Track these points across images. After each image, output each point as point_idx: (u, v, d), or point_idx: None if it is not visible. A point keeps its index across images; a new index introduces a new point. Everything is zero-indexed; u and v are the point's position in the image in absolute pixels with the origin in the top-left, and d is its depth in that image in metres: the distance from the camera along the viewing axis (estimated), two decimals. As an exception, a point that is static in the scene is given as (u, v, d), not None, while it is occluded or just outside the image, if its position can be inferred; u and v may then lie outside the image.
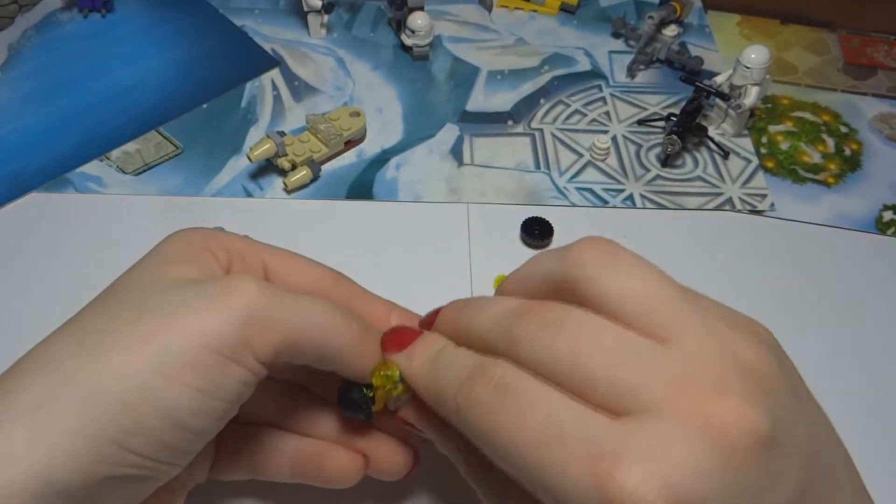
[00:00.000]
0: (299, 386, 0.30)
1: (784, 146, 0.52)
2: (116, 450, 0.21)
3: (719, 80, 0.51)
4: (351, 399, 0.27)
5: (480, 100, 0.54)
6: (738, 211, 0.47)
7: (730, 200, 0.48)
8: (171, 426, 0.22)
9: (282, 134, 0.47)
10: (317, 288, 0.28)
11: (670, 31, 0.57)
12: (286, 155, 0.47)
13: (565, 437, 0.19)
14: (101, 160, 0.49)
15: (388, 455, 0.29)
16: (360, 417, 0.28)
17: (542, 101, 0.54)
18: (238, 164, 0.49)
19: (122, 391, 0.21)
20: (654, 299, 0.20)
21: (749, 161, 0.51)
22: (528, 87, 0.55)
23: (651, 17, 0.56)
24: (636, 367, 0.19)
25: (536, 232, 0.44)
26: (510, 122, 0.53)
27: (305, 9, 0.57)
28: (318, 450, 0.29)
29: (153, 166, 0.49)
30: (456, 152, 0.50)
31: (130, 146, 0.50)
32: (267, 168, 0.48)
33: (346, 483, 0.29)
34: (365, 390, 0.27)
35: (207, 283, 0.24)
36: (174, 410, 0.22)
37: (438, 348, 0.25)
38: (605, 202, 0.47)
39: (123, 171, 0.48)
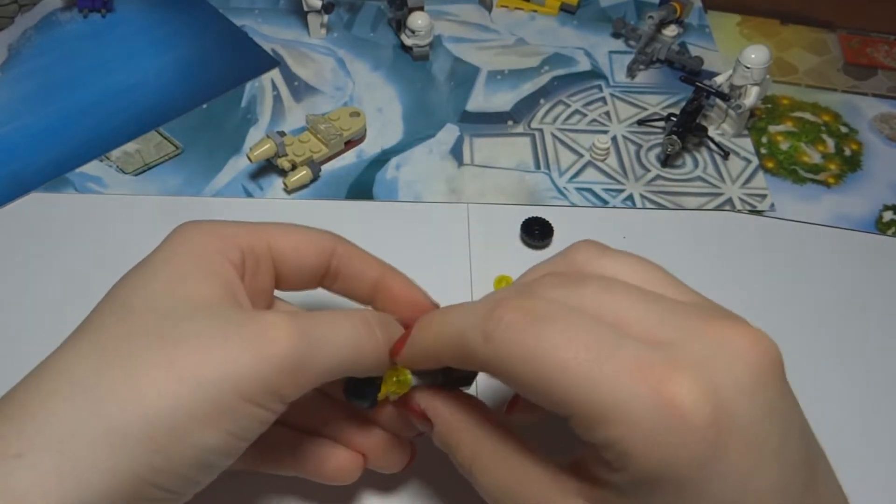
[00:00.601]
0: None
1: (784, 146, 0.52)
2: (144, 486, 0.21)
3: (719, 80, 0.51)
4: (357, 389, 0.28)
5: (480, 100, 0.54)
6: (738, 211, 0.47)
7: (730, 201, 0.48)
8: (199, 465, 0.22)
9: (282, 134, 0.47)
10: (321, 259, 0.29)
11: (670, 31, 0.57)
12: (286, 155, 0.47)
13: (615, 351, 0.20)
14: (101, 160, 0.49)
15: (387, 448, 0.30)
16: (364, 406, 0.29)
17: (542, 101, 0.54)
18: (238, 165, 0.49)
19: (154, 430, 0.21)
20: (647, 277, 0.23)
21: (749, 161, 0.51)
22: (528, 88, 0.55)
23: (651, 17, 0.56)
24: (662, 305, 0.22)
25: (536, 232, 0.44)
26: (510, 123, 0.53)
27: (305, 9, 0.57)
28: (318, 447, 0.30)
29: (153, 166, 0.49)
30: (456, 152, 0.50)
31: (130, 146, 0.50)
32: (267, 168, 0.48)
33: (345, 481, 0.30)
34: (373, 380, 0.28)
35: (243, 321, 0.23)
36: (204, 451, 0.22)
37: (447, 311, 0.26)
38: (605, 202, 0.47)
39: (123, 172, 0.48)
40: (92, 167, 0.48)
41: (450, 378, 0.28)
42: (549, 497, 0.23)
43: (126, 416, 0.21)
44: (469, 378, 0.28)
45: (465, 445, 0.25)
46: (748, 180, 0.49)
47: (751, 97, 0.50)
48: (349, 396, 0.29)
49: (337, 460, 0.29)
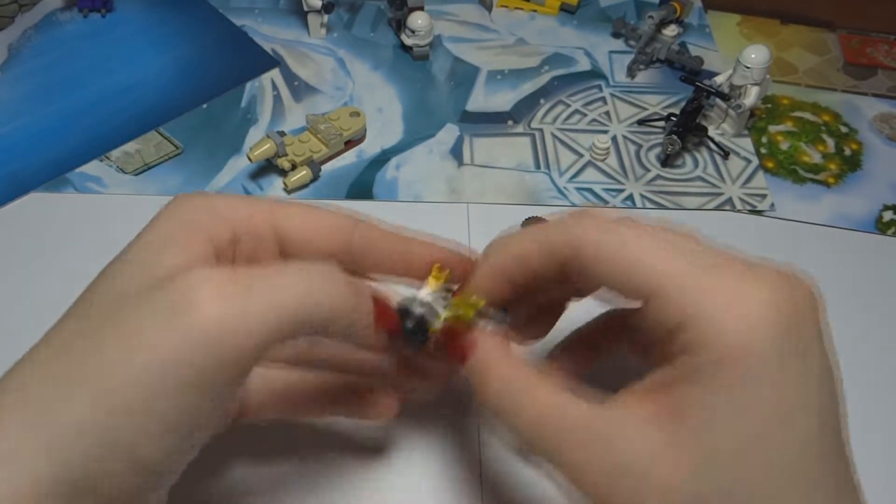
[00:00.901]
0: None
1: (784, 146, 0.52)
2: (88, 487, 0.20)
3: (719, 80, 0.51)
4: (408, 330, 0.27)
5: (480, 100, 0.54)
6: (738, 211, 0.47)
7: (730, 200, 0.48)
8: (137, 467, 0.21)
9: (282, 134, 0.47)
10: (336, 243, 0.27)
11: (670, 31, 0.57)
12: (286, 155, 0.47)
13: (693, 246, 0.22)
14: (101, 160, 0.49)
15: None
16: (412, 348, 0.27)
17: (542, 101, 0.54)
18: (238, 165, 0.49)
19: (87, 440, 0.20)
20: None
21: (749, 161, 0.51)
22: (528, 87, 0.55)
23: (651, 17, 0.56)
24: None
25: None
26: (510, 122, 0.53)
27: (305, 9, 0.57)
28: (352, 387, 0.30)
29: (153, 166, 0.49)
30: (456, 152, 0.50)
31: (130, 146, 0.50)
32: (267, 168, 0.48)
33: (382, 420, 0.30)
34: (426, 319, 0.27)
35: (160, 293, 0.21)
36: (135, 449, 0.20)
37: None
38: (605, 202, 0.47)
39: (123, 171, 0.48)
40: (92, 167, 0.48)
41: None
42: (601, 427, 0.22)
43: (60, 428, 0.20)
44: None
45: (503, 379, 0.25)
46: (748, 180, 0.49)
47: (751, 97, 0.50)
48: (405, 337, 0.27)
49: (374, 402, 0.30)
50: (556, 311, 0.30)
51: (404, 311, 0.27)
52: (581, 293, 0.29)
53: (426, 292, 0.28)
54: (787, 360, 0.20)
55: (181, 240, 0.23)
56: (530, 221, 0.45)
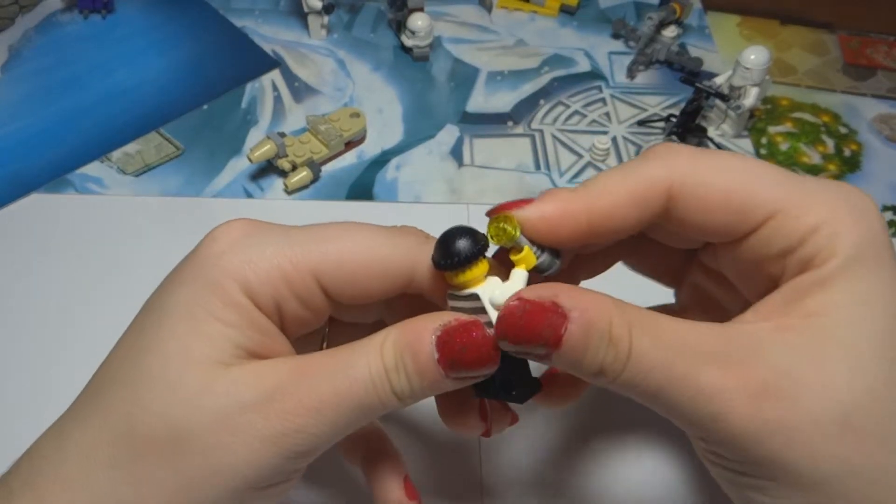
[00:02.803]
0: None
1: (784, 147, 0.52)
2: None
3: (719, 80, 0.51)
4: (508, 386, 0.23)
5: (480, 100, 0.54)
6: (738, 211, 0.47)
7: (729, 201, 0.48)
8: None
9: (282, 135, 0.47)
10: (380, 281, 0.24)
11: (670, 31, 0.57)
12: (286, 156, 0.47)
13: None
14: (102, 161, 0.49)
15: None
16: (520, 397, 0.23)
17: (542, 101, 0.54)
18: (238, 165, 0.49)
19: None
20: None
21: (749, 162, 0.51)
22: (528, 88, 0.55)
23: (651, 17, 0.56)
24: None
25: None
26: (510, 123, 0.53)
27: (306, 10, 0.57)
28: (385, 476, 0.28)
29: (154, 167, 0.49)
30: (456, 153, 0.50)
31: (131, 147, 0.50)
32: (267, 169, 0.49)
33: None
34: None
35: (249, 403, 0.21)
36: None
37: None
38: (605, 203, 0.47)
39: (124, 172, 0.48)
40: (92, 168, 0.48)
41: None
42: (742, 338, 0.20)
43: None
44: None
45: (618, 314, 0.20)
46: (748, 181, 0.49)
47: (750, 98, 0.50)
48: (502, 397, 0.24)
49: (389, 496, 0.28)
50: (603, 265, 0.28)
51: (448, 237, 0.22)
52: (592, 270, 0.28)
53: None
54: (891, 255, 0.21)
55: (229, 319, 0.22)
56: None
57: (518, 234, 0.22)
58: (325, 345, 0.29)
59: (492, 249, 0.23)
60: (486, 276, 0.22)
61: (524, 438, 0.35)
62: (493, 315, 0.22)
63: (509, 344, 0.21)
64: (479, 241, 0.22)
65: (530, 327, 0.20)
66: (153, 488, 0.21)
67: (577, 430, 0.36)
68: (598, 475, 0.34)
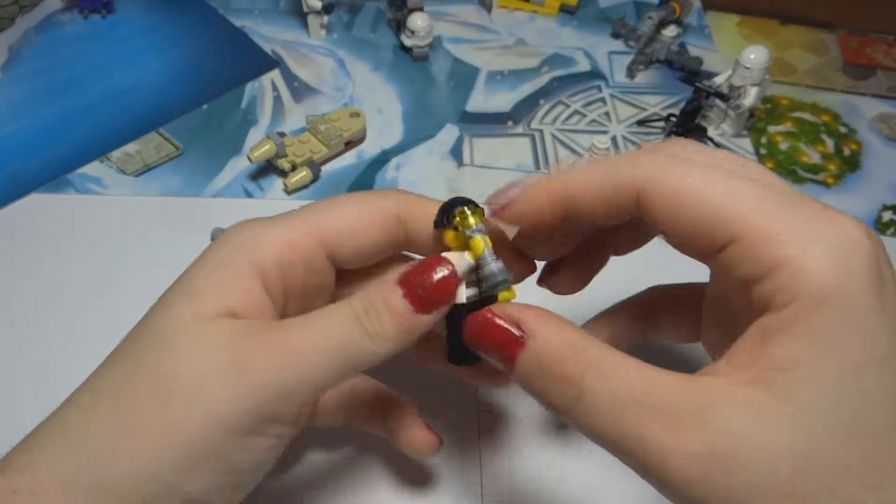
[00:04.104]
0: None
1: (783, 146, 0.52)
2: None
3: (719, 80, 0.51)
4: (459, 354, 0.25)
5: (480, 100, 0.54)
6: (738, 211, 0.47)
7: (729, 201, 0.48)
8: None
9: (282, 135, 0.47)
10: (384, 230, 0.27)
11: (670, 31, 0.57)
12: (286, 156, 0.47)
13: (772, 189, 0.21)
14: (102, 161, 0.49)
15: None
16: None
17: (541, 101, 0.54)
18: (238, 165, 0.49)
19: (149, 483, 0.22)
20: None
21: (748, 161, 0.51)
22: (527, 88, 0.55)
23: (650, 17, 0.56)
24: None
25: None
26: (510, 123, 0.53)
27: (305, 9, 0.57)
28: (403, 418, 0.30)
29: (153, 167, 0.49)
30: (456, 153, 0.50)
31: (131, 147, 0.50)
32: (267, 169, 0.49)
33: (418, 456, 0.30)
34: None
35: (228, 353, 0.23)
36: (202, 495, 0.22)
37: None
38: (605, 202, 0.48)
39: (124, 172, 0.48)
40: (92, 168, 0.48)
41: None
42: (695, 394, 0.20)
43: (125, 470, 0.22)
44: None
45: (575, 352, 0.21)
46: (748, 180, 0.49)
47: (750, 97, 0.50)
48: (454, 361, 0.26)
49: (414, 436, 0.30)
50: (596, 264, 0.28)
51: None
52: (622, 248, 0.28)
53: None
54: (878, 301, 0.19)
55: (232, 290, 0.24)
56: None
57: (474, 225, 0.24)
58: None
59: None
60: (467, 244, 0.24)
61: (525, 436, 0.35)
62: (460, 264, 0.24)
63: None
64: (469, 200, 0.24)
65: (487, 339, 0.22)
66: (144, 436, 0.22)
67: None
68: (598, 473, 0.34)
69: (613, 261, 0.29)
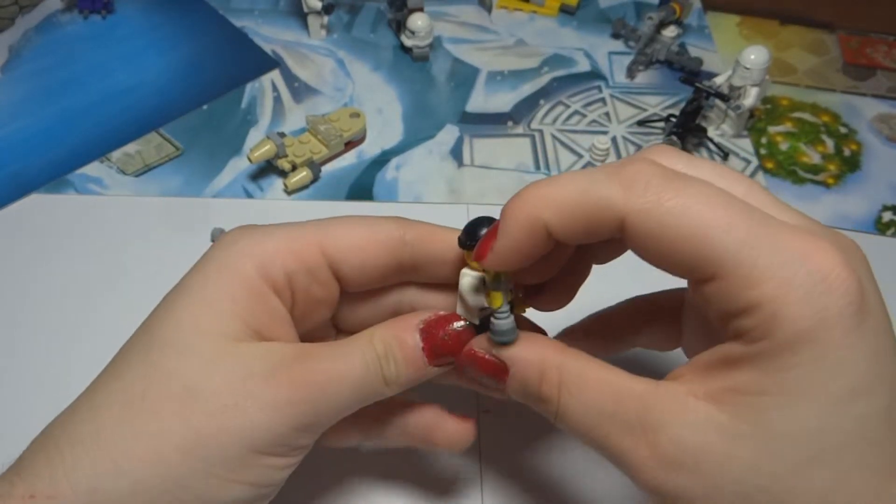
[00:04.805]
0: None
1: (783, 147, 0.52)
2: None
3: (719, 80, 0.51)
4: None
5: (480, 100, 0.54)
6: (738, 211, 0.47)
7: (729, 201, 0.48)
8: None
9: (282, 135, 0.47)
10: (387, 252, 0.27)
11: (670, 31, 0.57)
12: (286, 156, 0.47)
13: (757, 216, 0.20)
14: (102, 161, 0.49)
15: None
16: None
17: (541, 101, 0.54)
18: (238, 165, 0.49)
19: (173, 487, 0.22)
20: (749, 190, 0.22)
21: (749, 162, 0.51)
22: (527, 88, 0.55)
23: (651, 17, 0.56)
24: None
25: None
26: (510, 123, 0.53)
27: (305, 10, 0.57)
28: (427, 417, 0.30)
29: (154, 167, 0.49)
30: (456, 153, 0.51)
31: (131, 147, 0.50)
32: (267, 169, 0.49)
33: (457, 448, 0.30)
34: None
35: (257, 380, 0.23)
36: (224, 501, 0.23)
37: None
38: (605, 203, 0.47)
39: (124, 173, 0.48)
40: (92, 168, 0.48)
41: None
42: (657, 407, 0.21)
43: (144, 474, 0.22)
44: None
45: (549, 373, 0.23)
46: (748, 181, 0.49)
47: (750, 98, 0.50)
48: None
49: (446, 429, 0.29)
50: (579, 277, 0.28)
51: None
52: (603, 258, 0.27)
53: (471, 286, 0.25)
54: (856, 337, 0.19)
55: (245, 302, 0.25)
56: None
57: (500, 278, 0.24)
58: None
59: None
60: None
61: (525, 436, 0.35)
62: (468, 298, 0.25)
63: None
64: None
65: (478, 369, 0.25)
66: (167, 442, 0.22)
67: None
68: (598, 473, 0.34)
69: (596, 267, 0.29)
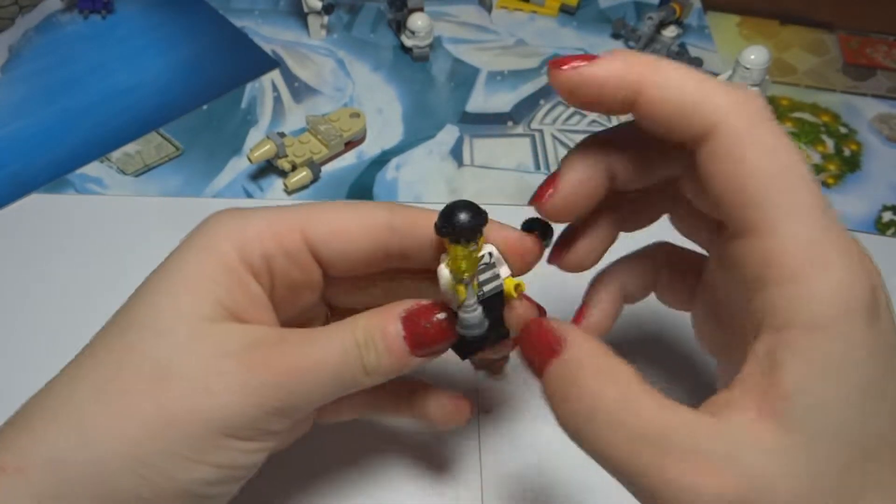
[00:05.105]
0: None
1: (783, 147, 0.52)
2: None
3: (719, 80, 0.51)
4: (464, 348, 0.26)
5: (480, 100, 0.54)
6: (738, 211, 0.47)
7: (729, 201, 0.48)
8: (191, 496, 0.23)
9: (282, 135, 0.47)
10: (372, 237, 0.26)
11: (670, 31, 0.57)
12: (286, 156, 0.47)
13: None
14: (102, 161, 0.49)
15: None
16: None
17: (541, 101, 0.54)
18: (238, 165, 0.49)
19: (140, 466, 0.22)
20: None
21: (748, 162, 0.51)
22: (527, 88, 0.55)
23: (651, 17, 0.56)
24: None
25: (536, 233, 0.44)
26: (510, 123, 0.53)
27: (305, 10, 0.57)
28: (422, 392, 0.30)
29: (153, 167, 0.49)
30: (456, 153, 0.50)
31: (131, 147, 0.50)
32: (267, 169, 0.49)
33: (451, 424, 0.30)
34: None
35: (231, 361, 0.23)
36: (193, 484, 0.23)
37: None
38: (605, 203, 0.48)
39: (124, 173, 0.48)
40: (92, 168, 0.48)
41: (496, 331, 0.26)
42: (714, 431, 0.19)
43: (109, 449, 0.22)
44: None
45: (600, 376, 0.21)
46: (748, 181, 0.49)
47: (750, 98, 0.50)
48: (464, 356, 0.27)
49: (442, 403, 0.30)
50: (606, 240, 0.29)
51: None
52: (630, 224, 0.28)
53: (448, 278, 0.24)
54: (873, 333, 0.19)
55: (223, 282, 0.24)
56: (531, 223, 0.44)
57: (463, 274, 0.24)
58: None
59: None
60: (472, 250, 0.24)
61: (525, 437, 0.35)
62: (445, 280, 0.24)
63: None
64: (476, 218, 0.24)
65: (529, 344, 0.24)
66: (135, 419, 0.22)
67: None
68: (598, 473, 0.34)
69: (618, 242, 0.30)
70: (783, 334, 0.19)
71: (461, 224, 0.23)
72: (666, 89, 0.22)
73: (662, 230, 0.30)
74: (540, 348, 0.23)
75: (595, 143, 0.25)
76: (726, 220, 0.21)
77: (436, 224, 0.24)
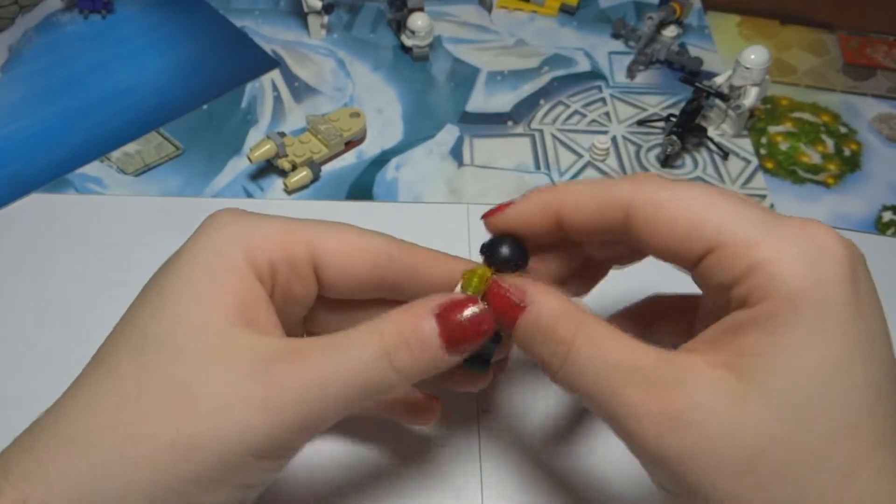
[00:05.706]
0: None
1: (783, 147, 0.52)
2: None
3: (719, 80, 0.51)
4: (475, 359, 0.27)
5: (480, 100, 0.54)
6: (738, 211, 0.47)
7: (729, 201, 0.48)
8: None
9: (282, 135, 0.47)
10: (373, 265, 0.26)
11: (670, 31, 0.57)
12: (286, 156, 0.47)
13: (750, 204, 0.23)
14: (102, 161, 0.49)
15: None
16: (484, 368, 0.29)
17: (541, 101, 0.54)
18: (238, 165, 0.49)
19: (163, 492, 0.22)
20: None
21: (748, 162, 0.51)
22: (527, 88, 0.55)
23: (651, 17, 0.56)
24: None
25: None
26: (510, 123, 0.53)
27: (305, 10, 0.57)
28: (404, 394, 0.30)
29: (153, 167, 0.49)
30: (456, 153, 0.51)
31: (131, 147, 0.50)
32: (267, 169, 0.49)
33: (421, 423, 0.31)
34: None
35: (255, 379, 0.22)
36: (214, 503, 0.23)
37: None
38: (605, 203, 0.48)
39: (124, 172, 0.48)
40: (92, 168, 0.48)
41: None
42: (675, 366, 0.21)
43: (137, 477, 0.21)
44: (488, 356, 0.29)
45: (568, 319, 0.23)
46: (748, 181, 0.49)
47: (750, 98, 0.50)
48: (468, 366, 0.28)
49: (414, 402, 0.30)
50: (599, 273, 0.30)
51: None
52: (624, 260, 0.29)
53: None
54: (853, 307, 0.20)
55: (233, 287, 0.24)
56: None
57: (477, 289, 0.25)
58: None
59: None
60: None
61: (525, 436, 0.35)
62: None
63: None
64: (517, 254, 0.26)
65: (496, 302, 0.25)
66: (157, 446, 0.21)
67: (581, 416, 0.36)
68: (598, 473, 0.34)
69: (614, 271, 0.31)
70: (749, 309, 0.21)
71: (504, 257, 0.26)
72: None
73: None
74: (506, 307, 0.24)
75: (553, 189, 0.27)
76: (679, 253, 0.23)
77: (484, 244, 0.27)
